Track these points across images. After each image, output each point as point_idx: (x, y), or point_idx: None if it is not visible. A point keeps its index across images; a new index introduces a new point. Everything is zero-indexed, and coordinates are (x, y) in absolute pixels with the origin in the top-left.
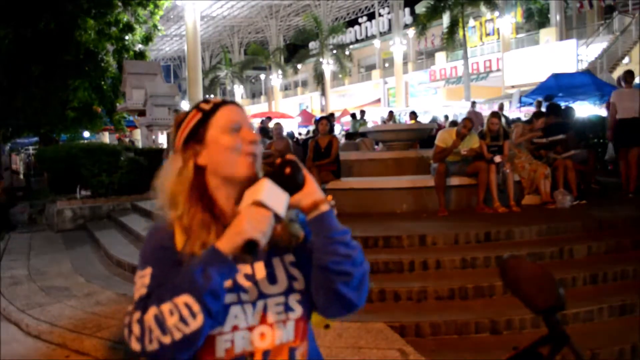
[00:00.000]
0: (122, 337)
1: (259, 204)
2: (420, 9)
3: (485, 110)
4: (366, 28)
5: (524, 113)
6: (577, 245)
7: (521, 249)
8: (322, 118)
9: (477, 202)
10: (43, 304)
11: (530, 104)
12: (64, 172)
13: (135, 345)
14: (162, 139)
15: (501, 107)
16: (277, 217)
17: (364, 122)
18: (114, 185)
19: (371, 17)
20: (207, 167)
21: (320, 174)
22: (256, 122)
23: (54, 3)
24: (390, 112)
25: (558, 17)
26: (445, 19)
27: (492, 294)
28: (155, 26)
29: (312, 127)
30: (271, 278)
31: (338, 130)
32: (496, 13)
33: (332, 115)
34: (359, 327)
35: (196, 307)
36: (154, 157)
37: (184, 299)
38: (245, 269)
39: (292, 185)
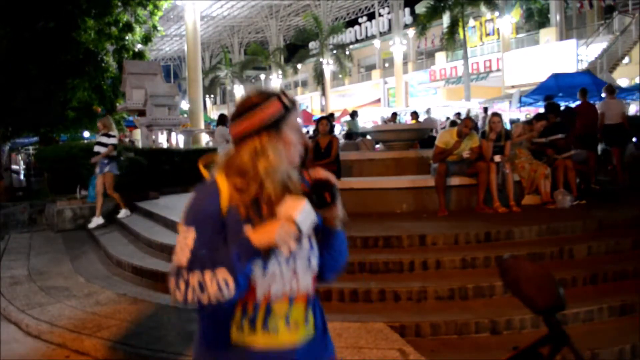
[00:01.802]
0: (122, 337)
1: (293, 223)
2: (420, 9)
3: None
4: (366, 28)
5: (524, 113)
6: (577, 245)
7: (521, 249)
8: (322, 118)
9: (477, 202)
10: (43, 304)
11: (531, 104)
12: (64, 172)
13: (179, 298)
14: (162, 139)
15: (485, 110)
16: (300, 230)
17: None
18: None
19: (371, 17)
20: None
21: None
22: None
23: (53, 3)
24: (394, 114)
25: (558, 17)
26: (445, 19)
27: (492, 294)
28: (154, 27)
29: (312, 127)
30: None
31: (338, 130)
32: (496, 13)
33: (331, 115)
34: (359, 327)
35: (231, 282)
36: (154, 157)
37: (223, 273)
38: None
39: (325, 205)
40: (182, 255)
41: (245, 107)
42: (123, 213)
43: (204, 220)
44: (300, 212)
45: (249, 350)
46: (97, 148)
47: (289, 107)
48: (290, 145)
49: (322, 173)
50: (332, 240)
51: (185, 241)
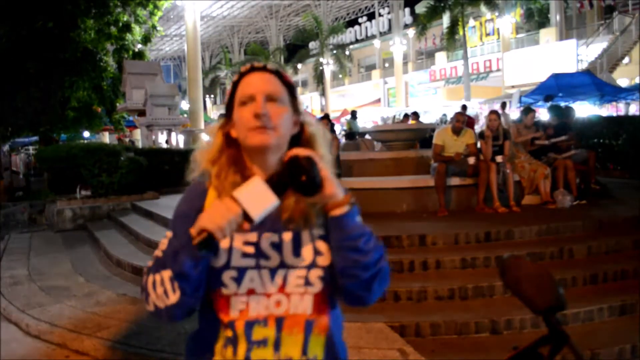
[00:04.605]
0: (122, 337)
1: (233, 199)
2: (420, 9)
3: (485, 111)
4: (366, 28)
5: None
6: (577, 245)
7: (521, 249)
8: (322, 118)
9: (477, 202)
10: (43, 304)
11: (531, 104)
12: (64, 172)
13: (145, 304)
14: (162, 139)
15: (503, 105)
16: (247, 217)
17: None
18: (114, 185)
19: (371, 17)
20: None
21: None
22: None
23: (53, 3)
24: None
25: (558, 17)
26: (445, 19)
27: (492, 294)
28: (154, 27)
29: None
30: (296, 250)
31: (337, 130)
32: (496, 13)
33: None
34: (359, 327)
35: (176, 284)
36: (154, 157)
37: (169, 273)
38: (272, 236)
39: (307, 190)
40: (153, 257)
41: None
42: None
43: (181, 220)
44: (246, 189)
45: None
46: None
47: (235, 82)
48: (237, 122)
49: (296, 150)
50: (338, 234)
51: (162, 243)
